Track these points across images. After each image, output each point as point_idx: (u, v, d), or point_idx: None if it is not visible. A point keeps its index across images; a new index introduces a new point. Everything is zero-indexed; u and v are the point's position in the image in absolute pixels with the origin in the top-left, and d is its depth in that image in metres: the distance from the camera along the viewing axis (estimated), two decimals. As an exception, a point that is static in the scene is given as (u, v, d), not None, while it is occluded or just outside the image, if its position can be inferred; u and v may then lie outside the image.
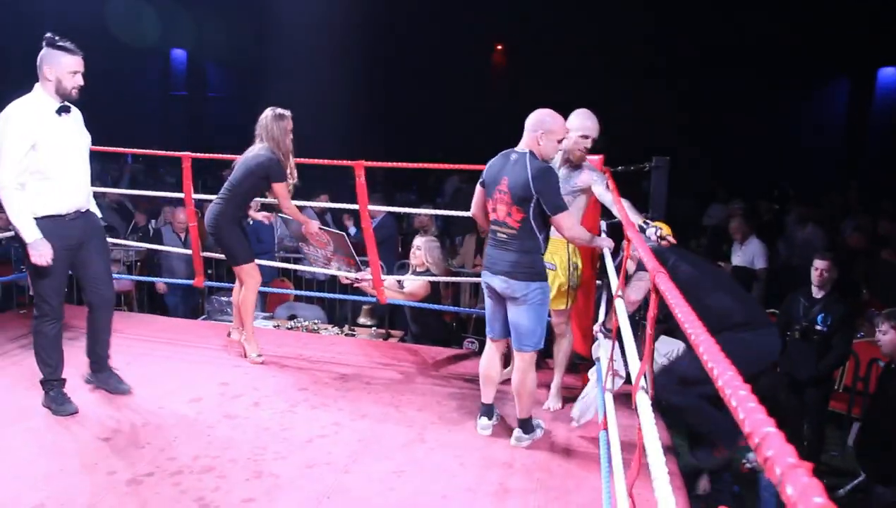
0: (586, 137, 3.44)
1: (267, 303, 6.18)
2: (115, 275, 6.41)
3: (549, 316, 3.61)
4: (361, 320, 5.58)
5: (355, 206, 4.55)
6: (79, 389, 3.58)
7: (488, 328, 3.31)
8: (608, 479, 2.61)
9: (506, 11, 14.75)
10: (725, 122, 13.91)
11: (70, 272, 3.47)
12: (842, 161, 13.86)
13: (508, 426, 3.36)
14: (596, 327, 3.57)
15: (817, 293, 4.67)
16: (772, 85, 13.88)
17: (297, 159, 4.52)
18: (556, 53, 14.44)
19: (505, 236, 3.09)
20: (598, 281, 4.09)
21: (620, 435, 2.55)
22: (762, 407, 0.78)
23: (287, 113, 3.97)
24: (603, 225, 4.11)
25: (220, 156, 4.72)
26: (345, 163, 4.38)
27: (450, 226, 8.48)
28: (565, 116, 3.38)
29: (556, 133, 3.06)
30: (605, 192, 3.39)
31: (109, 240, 3.86)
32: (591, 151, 3.58)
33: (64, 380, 3.42)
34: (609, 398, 2.81)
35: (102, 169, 10.96)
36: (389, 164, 4.84)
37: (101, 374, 3.60)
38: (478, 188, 3.28)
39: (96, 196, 3.72)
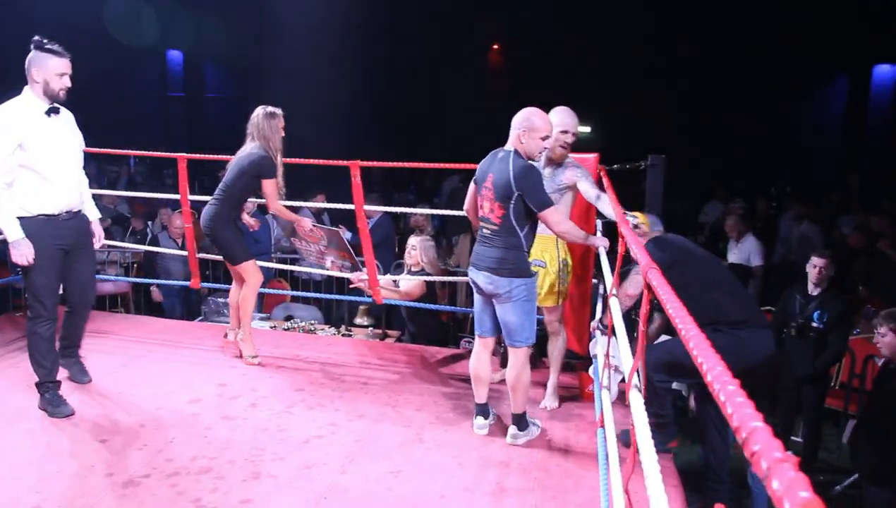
0: (566, 132, 3.47)
1: (264, 304, 6.18)
2: (112, 278, 6.48)
3: (542, 313, 3.62)
4: (358, 320, 5.58)
5: (351, 206, 4.55)
6: (76, 391, 3.58)
7: (476, 325, 3.33)
8: (606, 477, 2.62)
9: (505, 11, 14.76)
10: (725, 122, 13.92)
11: None
12: (841, 160, 13.88)
13: (505, 425, 3.35)
14: (593, 324, 3.58)
15: (813, 290, 4.67)
16: (771, 85, 13.89)
17: (295, 159, 4.53)
18: (555, 53, 14.45)
19: (489, 232, 3.13)
20: (594, 280, 4.10)
21: (617, 432, 2.55)
22: (751, 402, 0.79)
23: (278, 111, 3.96)
24: (598, 224, 4.11)
25: (216, 156, 4.71)
26: (340, 162, 4.37)
27: (447, 225, 8.50)
28: None
29: (539, 130, 3.07)
30: (590, 188, 3.41)
31: (107, 242, 3.87)
32: (587, 150, 3.59)
33: (59, 382, 3.43)
34: (606, 395, 2.82)
35: (99, 170, 10.95)
36: (384, 164, 4.84)
37: (68, 360, 3.68)
38: (471, 186, 3.34)
39: (94, 197, 3.75)
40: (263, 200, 4.07)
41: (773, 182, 11.96)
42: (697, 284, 3.11)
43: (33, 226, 3.20)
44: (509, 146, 3.14)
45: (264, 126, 3.89)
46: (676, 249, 3.30)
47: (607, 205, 3.27)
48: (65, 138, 3.32)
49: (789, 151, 14.02)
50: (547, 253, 3.54)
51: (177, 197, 4.94)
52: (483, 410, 3.34)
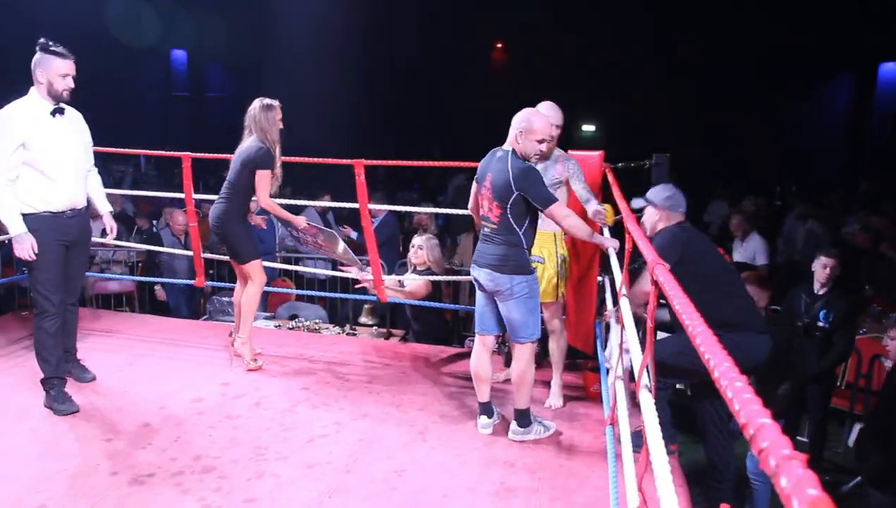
0: (552, 126, 3.46)
1: (268, 303, 6.18)
2: (117, 276, 6.49)
3: (542, 311, 3.61)
4: (363, 319, 5.58)
5: (356, 205, 4.54)
6: (80, 390, 3.59)
7: (477, 322, 3.34)
8: (615, 474, 2.61)
9: (506, 11, 14.76)
10: (725, 122, 13.90)
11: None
12: (844, 160, 13.84)
13: (509, 425, 3.35)
14: (608, 312, 3.58)
15: (819, 289, 4.65)
16: (772, 84, 13.86)
17: (299, 158, 4.52)
18: (556, 53, 14.45)
19: (489, 230, 3.15)
20: (600, 278, 4.08)
21: (626, 430, 2.51)
22: (758, 398, 0.78)
23: (275, 103, 3.91)
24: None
25: (221, 155, 4.72)
26: (344, 161, 4.37)
27: (451, 224, 8.50)
28: (566, 116, 3.40)
29: (536, 133, 3.08)
30: (582, 190, 3.48)
31: (111, 241, 3.89)
32: (591, 148, 3.59)
33: (65, 379, 3.46)
34: (621, 386, 2.77)
35: (104, 170, 10.96)
36: (389, 162, 4.84)
37: (67, 364, 3.70)
38: (473, 185, 3.36)
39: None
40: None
41: (774, 182, 11.94)
42: (692, 281, 3.06)
43: (38, 222, 3.28)
44: (507, 146, 3.15)
45: (261, 118, 3.86)
46: (686, 243, 3.21)
47: (592, 208, 3.39)
48: (69, 138, 3.40)
49: (791, 151, 13.99)
50: (545, 249, 3.56)
51: (181, 196, 4.94)
52: (486, 409, 3.33)
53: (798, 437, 4.92)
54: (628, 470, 2.18)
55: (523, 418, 3.23)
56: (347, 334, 5.18)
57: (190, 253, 5.13)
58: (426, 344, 4.77)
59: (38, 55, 3.28)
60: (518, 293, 3.09)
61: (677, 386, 4.22)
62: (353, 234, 6.96)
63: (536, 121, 3.09)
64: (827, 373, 4.67)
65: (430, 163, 4.92)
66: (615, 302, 3.47)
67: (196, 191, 4.97)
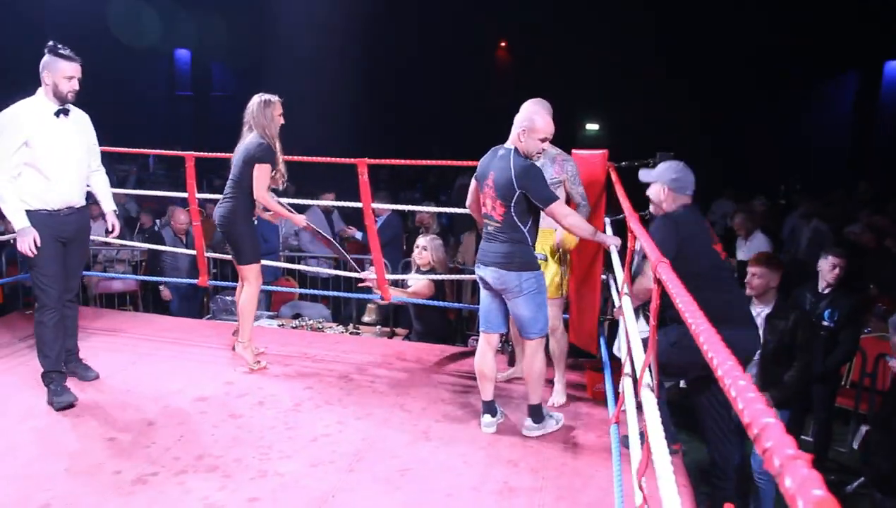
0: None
1: (271, 302, 6.19)
2: (121, 275, 6.51)
3: None
4: (366, 319, 5.58)
5: (359, 204, 4.54)
6: (84, 389, 3.60)
7: (482, 321, 3.34)
8: (619, 473, 2.60)
9: (506, 11, 14.76)
10: (730, 122, 13.87)
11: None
12: (848, 159, 13.79)
13: (513, 424, 3.35)
14: (618, 309, 3.57)
15: (824, 288, 4.63)
16: (779, 84, 13.82)
17: (302, 158, 4.51)
18: (556, 53, 14.43)
19: (493, 229, 3.16)
20: (603, 276, 4.07)
21: (635, 429, 2.49)
22: (761, 397, 0.77)
23: (275, 98, 3.88)
24: (607, 220, 4.09)
25: (225, 155, 4.72)
26: (347, 161, 4.36)
27: (454, 223, 8.49)
28: (566, 115, 3.39)
29: (538, 132, 3.08)
30: (578, 196, 3.50)
31: (113, 240, 3.93)
32: (595, 147, 3.59)
33: (64, 374, 3.50)
34: (629, 383, 2.74)
35: (108, 169, 10.99)
36: (392, 162, 4.83)
37: (70, 364, 3.73)
38: (472, 182, 3.35)
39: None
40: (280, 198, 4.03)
41: (777, 181, 11.90)
42: (685, 278, 3.02)
43: (35, 219, 3.35)
44: (509, 143, 3.14)
45: (259, 114, 3.84)
46: (683, 237, 3.15)
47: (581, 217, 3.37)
48: (72, 139, 3.45)
49: (795, 150, 13.95)
50: (548, 246, 3.58)
51: (184, 195, 4.95)
52: (490, 408, 3.33)
53: (802, 437, 4.91)
54: (634, 469, 2.17)
55: (537, 413, 3.25)
56: (351, 333, 5.19)
57: (190, 252, 5.13)
58: (429, 343, 4.77)
59: (45, 57, 3.34)
60: (527, 289, 3.10)
61: (681, 384, 4.21)
62: (358, 235, 6.97)
63: (539, 120, 3.09)
64: (832, 372, 4.65)
65: (435, 163, 4.91)
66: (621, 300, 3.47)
67: (200, 191, 4.98)
